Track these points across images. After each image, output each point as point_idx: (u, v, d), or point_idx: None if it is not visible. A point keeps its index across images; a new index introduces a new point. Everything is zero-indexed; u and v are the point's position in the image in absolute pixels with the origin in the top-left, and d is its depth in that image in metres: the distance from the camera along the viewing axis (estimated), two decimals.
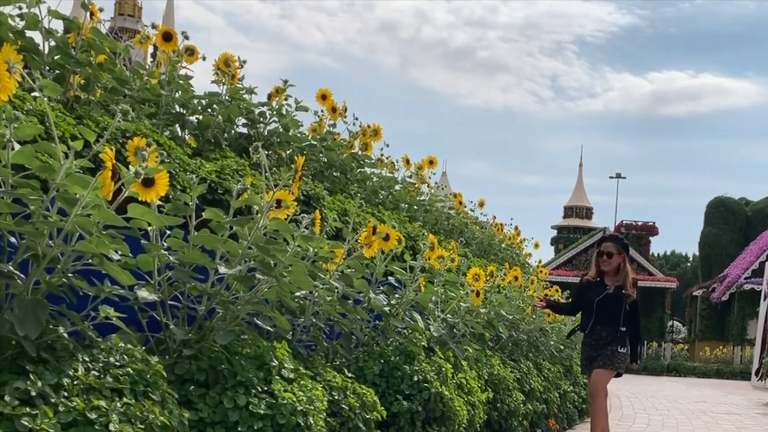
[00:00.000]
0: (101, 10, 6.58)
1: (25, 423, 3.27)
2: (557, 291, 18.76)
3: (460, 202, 17.25)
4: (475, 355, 9.81)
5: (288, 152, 9.09)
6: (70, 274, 4.07)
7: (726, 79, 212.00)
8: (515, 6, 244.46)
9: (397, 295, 7.87)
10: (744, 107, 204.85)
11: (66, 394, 3.53)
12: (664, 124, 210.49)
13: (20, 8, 5.95)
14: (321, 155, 9.97)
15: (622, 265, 10.71)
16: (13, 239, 3.97)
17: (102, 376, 3.79)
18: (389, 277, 7.95)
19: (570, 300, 11.95)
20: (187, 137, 7.88)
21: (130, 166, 4.01)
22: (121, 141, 5.47)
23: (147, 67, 7.63)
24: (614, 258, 10.65)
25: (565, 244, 68.70)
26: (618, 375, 10.78)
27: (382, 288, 7.74)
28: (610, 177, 77.35)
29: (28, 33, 6.09)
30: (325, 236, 6.48)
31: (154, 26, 7.60)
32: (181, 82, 7.65)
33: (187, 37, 7.51)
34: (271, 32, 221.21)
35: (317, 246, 5.77)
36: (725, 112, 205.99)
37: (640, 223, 69.69)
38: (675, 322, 77.40)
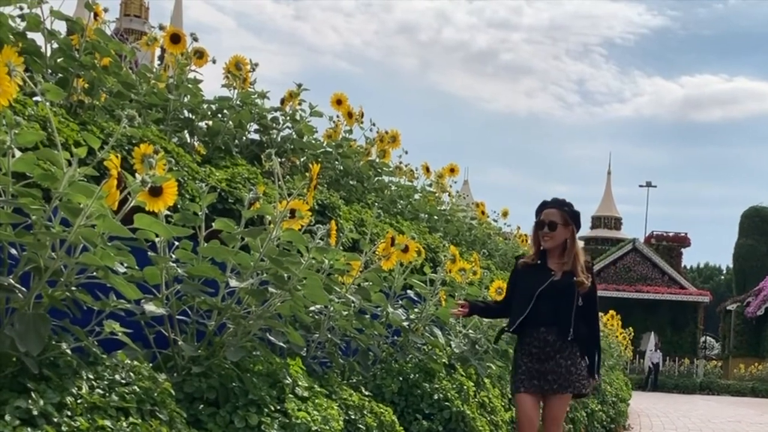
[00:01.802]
0: (106, 10, 6.58)
1: None
2: None
3: (483, 212, 17.22)
4: (498, 372, 9.77)
5: (302, 160, 9.08)
6: (73, 288, 4.05)
7: (762, 83, 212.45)
8: (540, 6, 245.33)
9: (416, 310, 7.86)
10: None
11: (69, 413, 3.51)
12: (696, 131, 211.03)
13: (21, 9, 5.96)
14: (337, 163, 9.97)
15: (570, 241, 7.99)
16: (13, 251, 3.97)
17: (107, 394, 3.77)
18: (408, 291, 7.93)
19: (503, 297, 8.64)
20: (196, 144, 7.89)
21: (137, 175, 4.00)
22: (127, 148, 5.48)
23: (154, 70, 7.64)
24: (558, 230, 7.93)
25: (592, 256, 68.49)
26: (580, 396, 8.33)
27: (400, 302, 7.73)
28: (640, 186, 77.50)
29: (30, 34, 6.09)
30: (341, 248, 6.46)
31: (161, 27, 7.61)
32: (189, 86, 7.65)
33: (196, 39, 7.51)
34: (284, 34, 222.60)
35: (333, 258, 5.76)
36: (761, 117, 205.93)
37: (671, 234, 69.66)
38: (708, 337, 77.28)
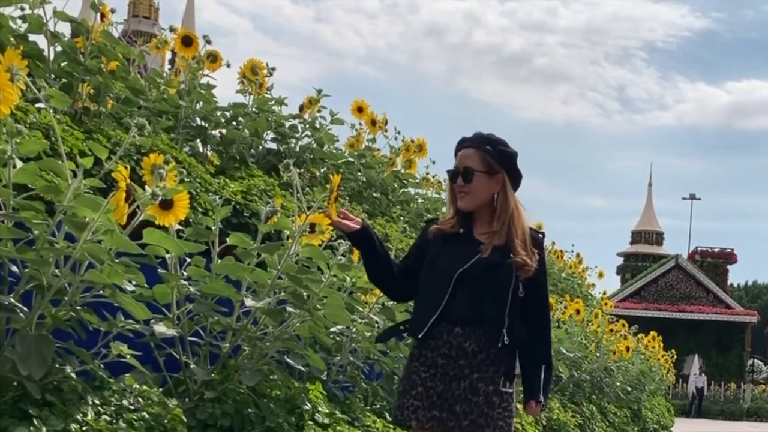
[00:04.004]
0: (113, 11, 6.59)
1: None
2: (624, 326, 18.59)
3: None
4: None
5: (322, 170, 9.07)
6: (78, 307, 4.05)
7: None
8: (577, 8, 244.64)
9: None
10: None
11: None
12: (743, 139, 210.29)
13: (22, 9, 5.97)
14: (359, 174, 9.95)
15: (501, 199, 5.15)
16: (14, 268, 3.96)
17: (114, 421, 3.77)
18: None
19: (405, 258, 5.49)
20: (209, 153, 7.89)
21: (146, 186, 3.99)
22: (135, 158, 5.48)
23: (164, 75, 7.64)
24: (477, 181, 5.10)
25: (632, 273, 68.33)
26: None
27: None
28: (683, 198, 77.15)
29: (32, 37, 6.10)
30: None
31: (172, 29, 7.62)
32: (202, 91, 7.66)
33: (209, 42, 7.52)
34: (304, 37, 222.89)
35: (355, 275, 5.74)
36: None
37: (716, 250, 69.31)
38: (756, 360, 76.88)
